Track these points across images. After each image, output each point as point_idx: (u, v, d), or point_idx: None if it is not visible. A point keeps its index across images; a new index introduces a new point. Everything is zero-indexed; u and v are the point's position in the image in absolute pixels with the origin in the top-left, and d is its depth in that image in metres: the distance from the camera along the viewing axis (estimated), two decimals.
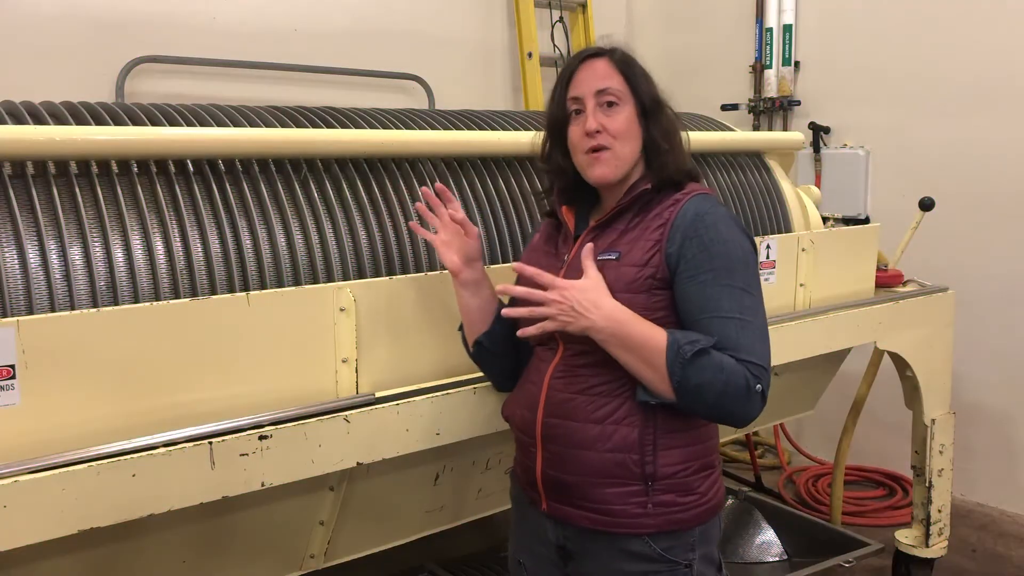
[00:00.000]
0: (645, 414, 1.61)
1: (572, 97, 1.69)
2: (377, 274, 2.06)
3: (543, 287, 1.59)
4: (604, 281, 1.60)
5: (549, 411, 1.67)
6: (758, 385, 1.56)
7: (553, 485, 1.69)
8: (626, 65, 1.69)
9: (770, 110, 4.70)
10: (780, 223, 2.99)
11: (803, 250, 2.71)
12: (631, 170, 1.70)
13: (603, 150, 1.65)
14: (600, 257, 1.65)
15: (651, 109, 1.69)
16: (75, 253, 1.71)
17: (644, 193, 1.68)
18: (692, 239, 1.60)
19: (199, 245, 1.85)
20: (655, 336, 1.55)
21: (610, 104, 1.66)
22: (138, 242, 1.78)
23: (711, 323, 1.58)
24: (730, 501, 3.41)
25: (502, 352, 1.82)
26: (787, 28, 4.62)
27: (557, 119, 1.72)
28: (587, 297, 1.55)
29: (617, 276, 1.62)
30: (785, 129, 4.68)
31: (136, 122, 1.95)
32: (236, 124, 2.08)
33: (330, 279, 1.98)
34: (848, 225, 3.27)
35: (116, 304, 1.71)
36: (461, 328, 1.89)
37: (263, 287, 1.89)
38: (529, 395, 1.73)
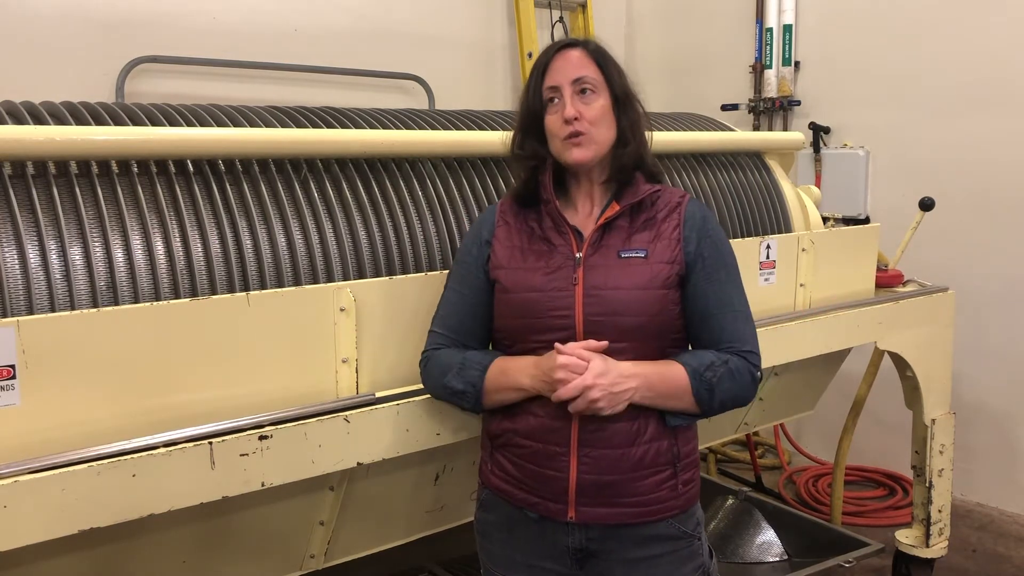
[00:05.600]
0: None
1: (549, 86, 1.73)
2: (377, 274, 2.06)
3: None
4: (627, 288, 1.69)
5: (587, 416, 1.66)
6: (758, 373, 1.76)
7: (590, 489, 1.69)
8: (600, 56, 1.76)
9: (770, 110, 4.70)
10: (780, 223, 2.99)
11: (803, 250, 2.71)
12: (606, 156, 1.76)
13: (581, 135, 1.70)
14: (625, 254, 1.72)
15: (623, 100, 1.76)
16: (75, 253, 1.71)
17: (654, 194, 1.77)
18: (705, 240, 1.75)
19: (199, 245, 1.85)
20: (675, 374, 1.68)
21: (585, 92, 1.71)
22: (138, 242, 1.78)
23: (725, 317, 1.74)
24: (730, 501, 3.41)
25: None
26: (787, 28, 4.62)
27: (533, 108, 1.76)
28: (610, 378, 1.61)
29: (650, 273, 1.70)
30: (785, 129, 4.68)
31: (136, 122, 1.95)
32: (236, 124, 2.08)
33: (330, 279, 1.98)
34: (848, 225, 3.27)
35: (116, 304, 1.71)
36: (457, 393, 1.75)
37: (263, 287, 1.89)
38: (555, 405, 1.67)
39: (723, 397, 1.70)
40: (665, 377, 1.68)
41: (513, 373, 1.71)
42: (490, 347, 1.84)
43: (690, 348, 1.79)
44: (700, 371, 1.68)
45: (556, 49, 1.76)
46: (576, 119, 1.69)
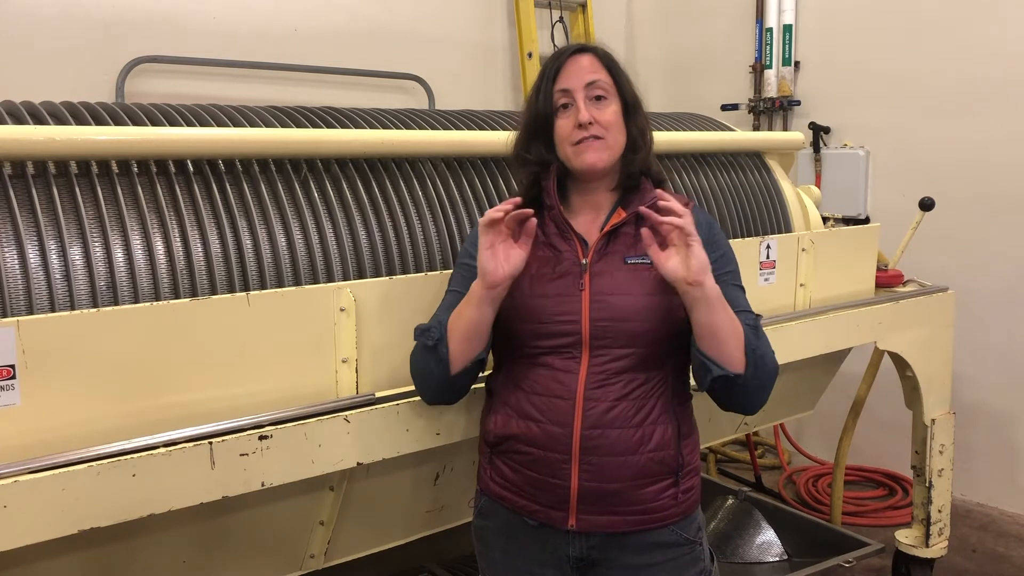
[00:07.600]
0: (673, 410, 1.73)
1: (561, 90, 1.71)
2: (377, 274, 2.06)
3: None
4: (638, 281, 1.69)
5: (589, 423, 1.64)
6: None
7: (591, 497, 1.67)
8: (610, 62, 1.75)
9: (770, 110, 4.70)
10: (780, 223, 2.99)
11: (803, 250, 2.71)
12: (616, 163, 1.74)
13: (597, 140, 1.69)
14: (631, 261, 1.70)
15: (632, 106, 1.75)
16: (75, 253, 1.71)
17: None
18: (710, 245, 1.71)
19: (199, 245, 1.85)
20: (732, 313, 1.64)
21: (599, 97, 1.70)
22: (138, 242, 1.78)
23: None
24: (730, 501, 3.42)
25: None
26: (787, 28, 4.62)
27: (542, 112, 1.73)
28: (703, 259, 1.59)
29: (656, 279, 1.67)
30: (785, 129, 4.68)
31: (136, 122, 1.95)
32: (236, 124, 2.08)
33: (330, 279, 1.98)
34: (848, 225, 3.27)
35: (116, 304, 1.71)
36: (427, 345, 1.71)
37: (263, 287, 1.89)
38: (555, 409, 1.66)
39: (764, 352, 1.65)
40: (726, 305, 1.63)
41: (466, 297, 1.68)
42: (490, 352, 1.82)
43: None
44: (749, 323, 1.67)
45: (568, 54, 1.73)
46: (591, 123, 1.67)
